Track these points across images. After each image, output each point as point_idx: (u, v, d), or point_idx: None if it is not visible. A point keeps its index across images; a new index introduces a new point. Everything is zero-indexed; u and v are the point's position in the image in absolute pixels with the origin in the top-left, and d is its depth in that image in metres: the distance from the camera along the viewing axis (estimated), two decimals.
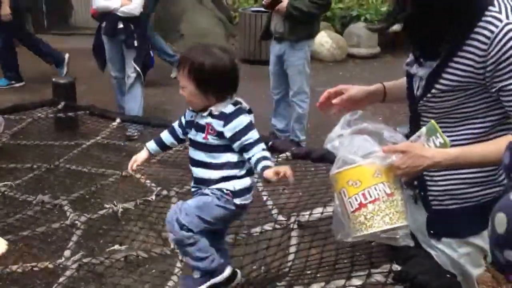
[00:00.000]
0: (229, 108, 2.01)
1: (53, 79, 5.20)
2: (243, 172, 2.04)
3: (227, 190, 2.02)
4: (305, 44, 4.89)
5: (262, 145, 2.01)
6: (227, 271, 2.07)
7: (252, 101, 5.41)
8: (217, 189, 2.03)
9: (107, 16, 5.30)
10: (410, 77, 1.69)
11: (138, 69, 5.45)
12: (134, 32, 5.36)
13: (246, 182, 2.06)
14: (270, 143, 3.62)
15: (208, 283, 2.06)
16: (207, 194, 2.03)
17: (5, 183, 3.62)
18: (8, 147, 4.41)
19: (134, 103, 5.58)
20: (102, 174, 3.91)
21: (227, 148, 2.01)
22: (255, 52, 8.44)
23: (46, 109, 4.99)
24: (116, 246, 2.98)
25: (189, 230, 1.96)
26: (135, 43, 5.37)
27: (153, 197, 3.41)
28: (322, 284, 1.77)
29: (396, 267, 1.64)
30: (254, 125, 2.03)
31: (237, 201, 2.04)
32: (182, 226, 1.96)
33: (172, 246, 2.59)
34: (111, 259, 2.72)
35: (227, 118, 1.98)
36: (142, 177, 3.78)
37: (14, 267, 2.59)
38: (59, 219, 3.22)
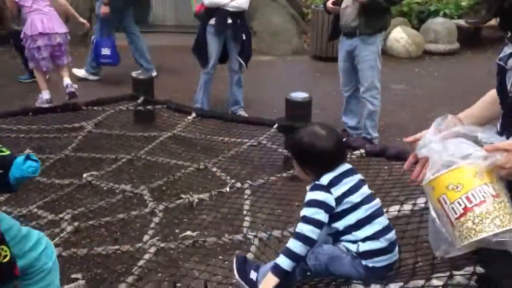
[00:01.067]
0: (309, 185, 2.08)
1: (133, 75, 5.44)
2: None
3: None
4: (378, 37, 4.79)
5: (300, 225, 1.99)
6: None
7: (324, 98, 5.46)
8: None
9: (216, 11, 5.40)
10: (503, 72, 1.62)
11: (242, 62, 5.62)
12: (242, 26, 5.50)
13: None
14: (344, 140, 3.61)
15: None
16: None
17: (92, 173, 3.87)
18: (93, 136, 4.68)
19: (241, 94, 5.79)
20: (179, 166, 4.07)
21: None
22: (327, 49, 8.37)
23: (126, 102, 5.26)
24: (188, 233, 3.10)
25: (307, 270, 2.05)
26: (243, 37, 5.50)
27: (227, 189, 3.53)
28: (401, 283, 1.74)
29: (480, 269, 1.58)
30: (318, 202, 1.99)
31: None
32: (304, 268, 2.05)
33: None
34: (183, 244, 2.83)
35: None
36: (218, 170, 3.90)
37: (99, 249, 2.76)
38: (138, 207, 3.41)
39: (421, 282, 1.69)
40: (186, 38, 9.43)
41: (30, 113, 4.87)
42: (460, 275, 1.61)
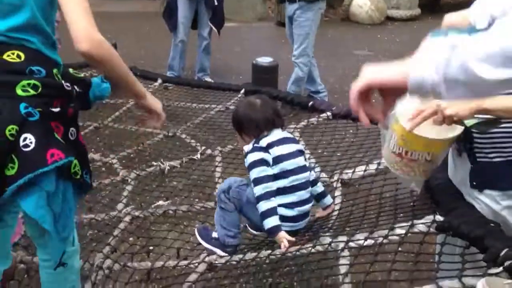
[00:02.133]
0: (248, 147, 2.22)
1: None
2: None
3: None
4: (317, 5, 4.80)
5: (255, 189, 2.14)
6: (226, 255, 2.22)
7: (289, 64, 5.43)
8: None
9: None
10: None
11: (214, 28, 5.55)
12: None
13: None
14: (311, 103, 3.68)
15: (213, 248, 2.26)
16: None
17: None
18: None
19: (208, 61, 5.74)
20: (147, 134, 4.05)
21: None
22: None
23: (89, 69, 5.15)
24: (161, 202, 3.12)
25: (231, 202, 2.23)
26: (215, 2, 5.43)
27: (198, 156, 3.56)
28: (366, 234, 1.85)
29: (439, 218, 1.69)
30: (259, 161, 2.15)
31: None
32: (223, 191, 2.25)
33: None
34: (157, 213, 2.89)
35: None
36: (187, 137, 3.92)
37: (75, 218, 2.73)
38: (109, 176, 3.40)
39: (384, 232, 1.80)
40: (147, 4, 9.30)
41: None
42: (421, 223, 1.72)
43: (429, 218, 1.75)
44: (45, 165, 1.49)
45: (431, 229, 1.69)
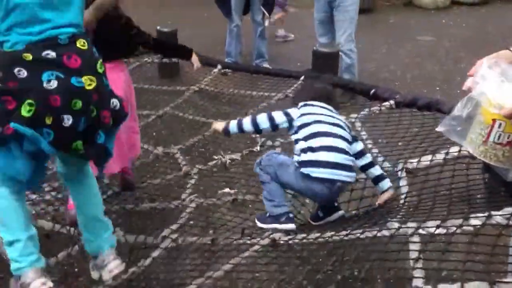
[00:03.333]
0: None
1: (158, 28, 5.41)
2: None
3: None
4: None
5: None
6: (288, 226, 2.32)
7: None
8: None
9: None
10: None
11: (266, 13, 5.52)
12: None
13: None
14: (373, 91, 3.57)
15: (270, 226, 2.35)
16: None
17: None
18: None
19: (265, 47, 5.73)
20: (207, 124, 4.01)
21: None
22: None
23: (150, 55, 5.25)
24: (226, 189, 3.14)
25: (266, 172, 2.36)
26: None
27: (258, 147, 3.54)
28: (438, 222, 1.77)
29: None
30: (285, 112, 2.54)
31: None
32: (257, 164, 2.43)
33: None
34: (222, 200, 2.96)
35: None
36: None
37: (141, 206, 2.88)
38: (172, 171, 3.44)
39: (458, 221, 1.71)
40: None
41: None
42: (499, 215, 1.62)
43: (508, 210, 1.65)
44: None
45: (511, 222, 1.59)
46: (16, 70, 1.81)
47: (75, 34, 1.94)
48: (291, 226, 2.33)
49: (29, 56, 1.82)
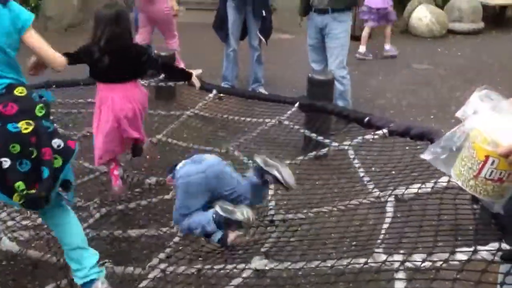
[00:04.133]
0: None
1: (155, 51, 5.46)
2: None
3: None
4: (349, 15, 4.72)
5: None
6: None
7: None
8: None
9: None
10: None
11: (262, 38, 5.55)
12: (262, 2, 5.44)
13: None
14: (367, 119, 3.59)
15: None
16: None
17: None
18: None
19: (261, 72, 5.76)
20: (200, 151, 4.00)
21: None
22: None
23: (147, 78, 5.28)
24: None
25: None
26: (263, 13, 5.44)
27: (250, 173, 3.50)
28: (423, 255, 1.76)
29: (505, 246, 1.58)
30: None
31: None
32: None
33: None
34: None
35: None
36: (240, 152, 3.92)
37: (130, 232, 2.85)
38: (161, 194, 3.44)
39: (445, 255, 1.70)
40: (206, 15, 9.44)
41: (54, 86, 4.88)
42: (485, 250, 1.61)
43: (494, 246, 1.64)
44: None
45: (496, 258, 1.58)
46: None
47: (11, 84, 2.15)
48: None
49: None
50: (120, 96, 3.21)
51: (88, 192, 3.53)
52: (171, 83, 5.20)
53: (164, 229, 2.93)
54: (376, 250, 1.99)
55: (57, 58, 2.38)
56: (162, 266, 2.47)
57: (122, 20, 3.15)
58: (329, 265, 2.00)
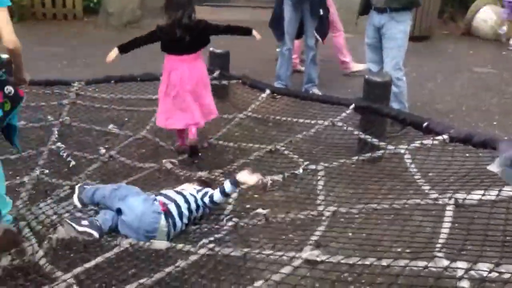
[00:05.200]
0: None
1: (210, 49, 5.48)
2: None
3: None
4: (408, 15, 4.54)
5: None
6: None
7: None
8: None
9: None
10: None
11: (319, 38, 5.47)
12: (320, 1, 5.37)
13: None
14: (426, 124, 3.45)
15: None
16: None
17: (171, 160, 3.84)
18: None
19: (315, 72, 5.68)
20: (249, 149, 4.06)
21: None
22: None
23: None
24: (259, 210, 3.10)
25: None
26: (321, 12, 5.37)
27: (300, 170, 3.49)
28: (490, 265, 1.65)
29: None
30: None
31: None
32: None
33: None
34: (256, 220, 2.96)
35: None
36: (290, 152, 3.88)
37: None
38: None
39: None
40: (260, 12, 9.45)
41: (113, 81, 4.99)
42: None
43: None
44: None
45: None
46: None
47: None
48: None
49: None
50: (188, 65, 3.86)
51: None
52: (225, 82, 5.20)
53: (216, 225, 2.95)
54: (437, 254, 1.90)
55: (11, 35, 2.58)
56: (211, 245, 2.56)
57: (192, 2, 3.84)
58: (385, 264, 1.92)
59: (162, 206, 2.78)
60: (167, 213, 2.78)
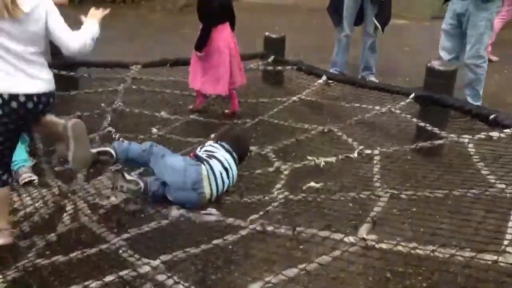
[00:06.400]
0: None
1: (266, 34, 5.43)
2: None
3: None
4: (494, 3, 4.31)
5: None
6: None
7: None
8: None
9: None
10: None
11: (379, 26, 5.31)
12: None
13: None
14: (492, 117, 3.28)
15: None
16: None
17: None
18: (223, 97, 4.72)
19: (373, 60, 5.54)
20: (304, 129, 4.01)
21: None
22: None
23: (257, 61, 5.29)
24: (312, 183, 3.10)
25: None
26: None
27: (355, 154, 3.42)
28: None
29: None
30: None
31: None
32: None
33: None
34: (307, 196, 2.93)
35: None
36: (344, 135, 3.81)
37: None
38: (263, 166, 3.42)
39: None
40: None
41: (168, 65, 5.02)
42: None
43: None
44: None
45: None
46: None
47: None
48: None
49: None
50: (227, 32, 4.28)
51: None
52: (279, 67, 5.15)
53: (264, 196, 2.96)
54: (508, 249, 1.79)
55: None
56: (261, 221, 2.56)
57: None
58: (448, 254, 1.83)
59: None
60: (206, 163, 2.86)
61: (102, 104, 4.51)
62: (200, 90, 4.46)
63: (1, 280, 2.18)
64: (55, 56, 4.18)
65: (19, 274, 2.25)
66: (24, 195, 3.03)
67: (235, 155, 3.03)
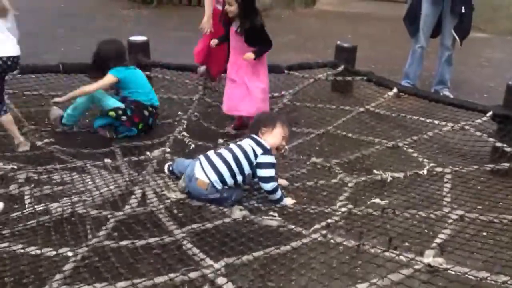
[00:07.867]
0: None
1: (338, 42, 5.36)
2: None
3: None
4: None
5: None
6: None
7: None
8: None
9: None
10: None
11: (457, 38, 5.07)
12: None
13: None
14: None
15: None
16: None
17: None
18: (289, 106, 4.69)
19: (449, 74, 5.32)
20: (369, 142, 3.92)
21: None
22: None
23: (326, 70, 5.21)
24: (377, 200, 3.02)
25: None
26: (462, 10, 4.96)
27: (425, 171, 3.31)
28: None
29: None
30: (272, 164, 2.99)
31: None
32: None
33: None
34: (370, 210, 2.87)
35: None
36: (413, 151, 3.69)
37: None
38: (327, 176, 3.37)
39: None
40: (394, 6, 9.11)
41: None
42: None
43: None
44: None
45: None
46: None
47: None
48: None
49: None
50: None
51: None
52: (349, 78, 5.06)
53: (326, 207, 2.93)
54: None
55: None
56: (323, 232, 2.56)
57: None
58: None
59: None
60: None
61: (180, 112, 4.55)
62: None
63: (73, 258, 2.30)
64: (131, 56, 4.33)
65: (89, 254, 2.36)
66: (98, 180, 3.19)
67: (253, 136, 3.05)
